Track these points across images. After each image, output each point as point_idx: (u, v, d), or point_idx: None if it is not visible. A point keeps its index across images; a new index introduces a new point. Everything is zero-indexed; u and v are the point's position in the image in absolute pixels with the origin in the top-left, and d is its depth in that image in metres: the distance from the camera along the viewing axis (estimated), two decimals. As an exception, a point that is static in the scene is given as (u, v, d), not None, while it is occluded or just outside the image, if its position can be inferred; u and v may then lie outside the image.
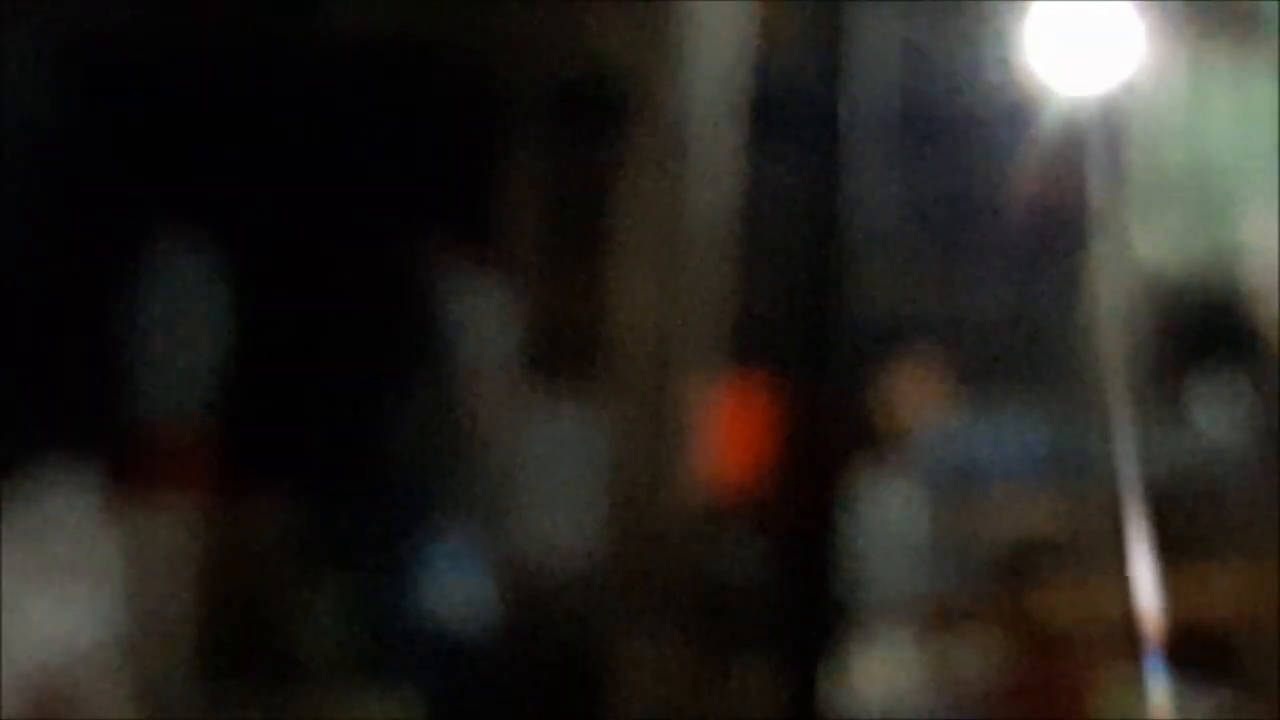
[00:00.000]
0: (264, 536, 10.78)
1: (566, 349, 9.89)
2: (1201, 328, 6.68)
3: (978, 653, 6.04)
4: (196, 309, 10.90)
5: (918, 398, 6.92)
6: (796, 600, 4.43)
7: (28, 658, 9.06)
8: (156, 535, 10.17)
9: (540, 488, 9.96)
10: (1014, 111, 6.34)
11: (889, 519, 6.65)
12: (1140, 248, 6.25)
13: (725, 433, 7.09)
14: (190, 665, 10.38)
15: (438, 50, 11.42)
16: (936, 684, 5.96)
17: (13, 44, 11.32)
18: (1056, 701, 5.77)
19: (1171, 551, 6.39)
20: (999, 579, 6.18)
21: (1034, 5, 5.84)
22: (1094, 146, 6.25)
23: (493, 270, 10.77)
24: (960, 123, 6.36)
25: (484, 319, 10.55)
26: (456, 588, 10.11)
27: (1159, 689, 5.79)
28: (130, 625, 9.42)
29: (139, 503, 9.99)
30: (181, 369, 10.85)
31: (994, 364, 6.70)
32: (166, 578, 10.34)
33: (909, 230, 6.16)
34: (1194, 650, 5.75)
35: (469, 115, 11.26)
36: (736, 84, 6.59)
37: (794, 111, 4.94)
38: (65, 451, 9.25)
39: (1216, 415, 6.70)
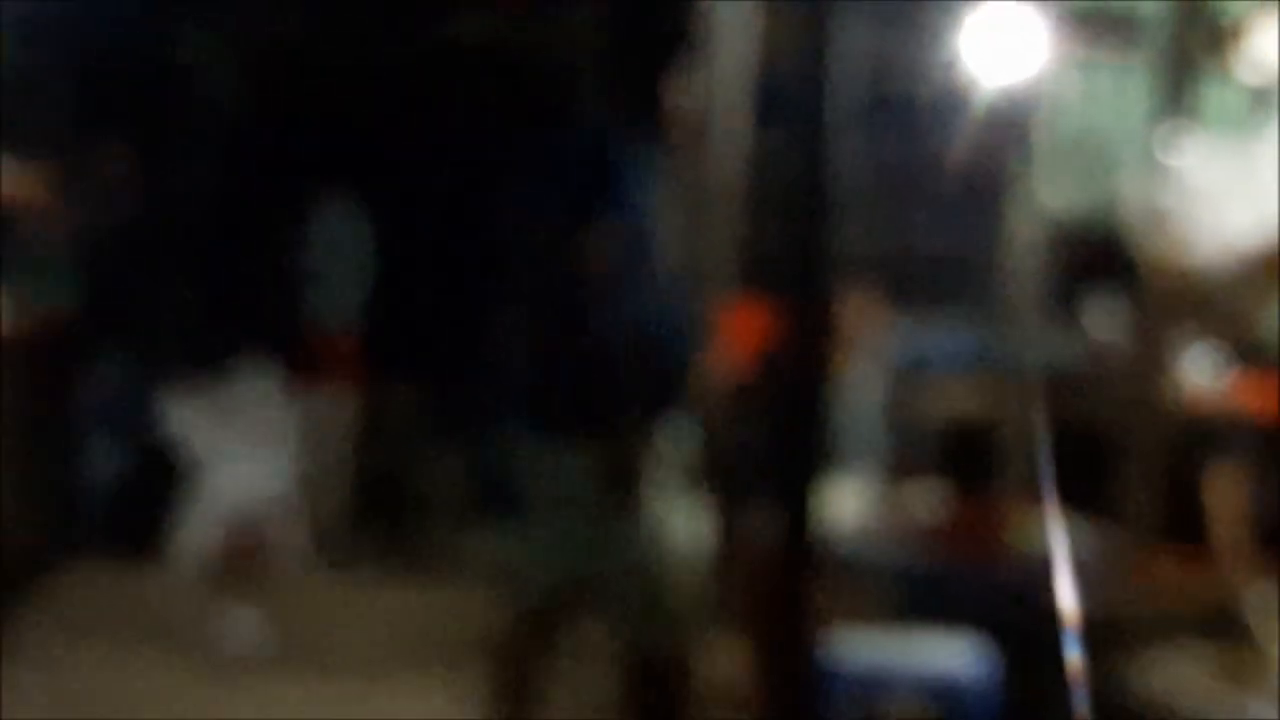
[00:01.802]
0: (400, 415, 10.80)
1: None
2: (1090, 257, 6.69)
3: (922, 497, 6.07)
4: (349, 246, 10.93)
5: (879, 311, 6.94)
6: (792, 456, 4.44)
7: (228, 501, 9.11)
8: (322, 413, 10.21)
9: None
10: (950, 96, 6.35)
11: (858, 399, 6.66)
12: (1044, 198, 6.27)
13: (736, 338, 7.10)
14: (347, 509, 10.43)
15: (524, 54, 11.43)
16: (892, 519, 6.00)
17: (220, 51, 11.38)
18: (980, 534, 5.80)
19: (1066, 421, 6.42)
20: (938, 444, 6.20)
21: (966, 14, 5.87)
22: (1009, 122, 6.28)
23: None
24: (911, 105, 6.37)
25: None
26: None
27: (1056, 524, 5.82)
28: (303, 479, 9.48)
29: (308, 389, 10.06)
30: (339, 290, 10.89)
31: (935, 287, 6.72)
32: (330, 444, 10.39)
33: (875, 186, 6.19)
34: (1080, 490, 5.76)
35: (547, 98, 11.28)
36: (746, 74, 6.61)
37: (788, 95, 4.95)
38: (255, 351, 9.31)
39: (1101, 322, 6.71)
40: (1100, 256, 6.64)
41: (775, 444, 4.59)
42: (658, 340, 5.49)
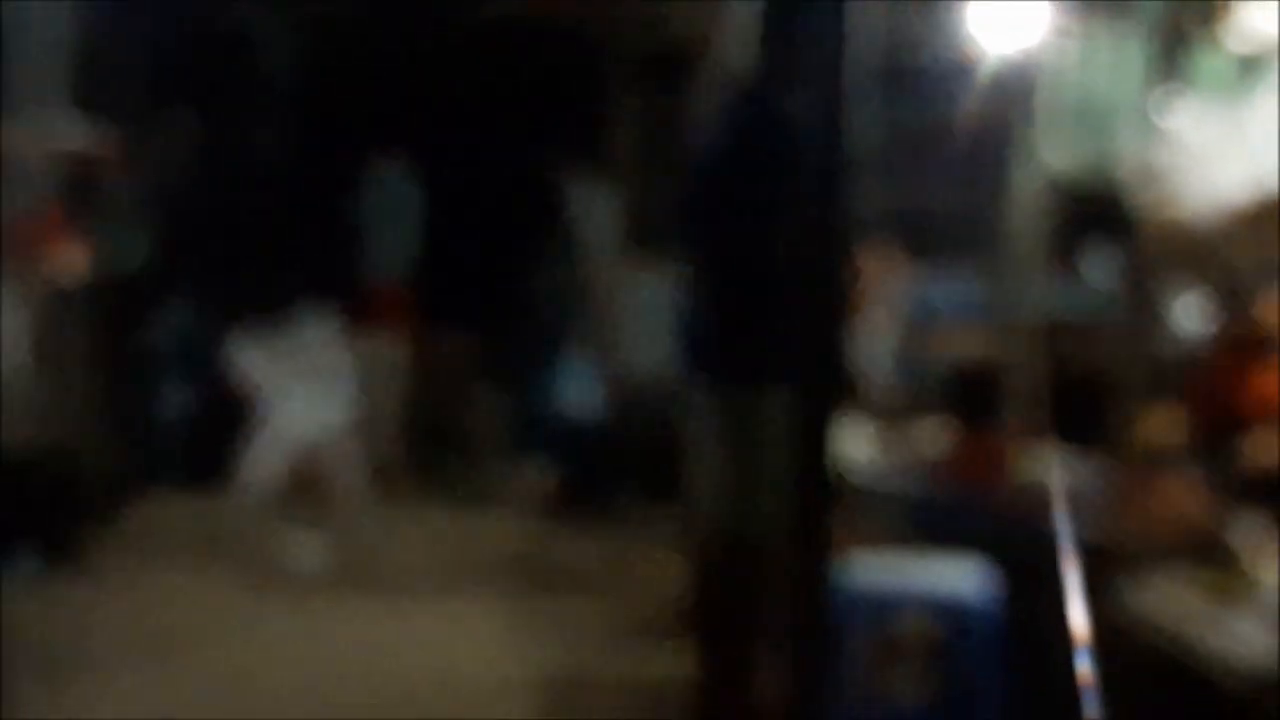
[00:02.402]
0: (449, 358, 10.81)
1: (651, 232, 9.91)
2: (1089, 212, 6.67)
3: (932, 433, 6.06)
4: (403, 202, 10.93)
5: (894, 262, 6.92)
6: (810, 395, 4.43)
7: (293, 433, 9.11)
8: (378, 356, 10.23)
9: (635, 326, 9.97)
10: (958, 65, 6.34)
11: (875, 343, 6.64)
12: (1046, 158, 6.24)
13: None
14: (400, 443, 10.45)
15: (566, 29, 11.40)
16: (903, 452, 5.98)
17: (281, 23, 11.38)
18: (985, 467, 5.79)
19: (1065, 363, 6.41)
20: (947, 384, 6.18)
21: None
22: (1013, 89, 6.25)
23: (603, 179, 10.81)
24: (922, 70, 6.34)
25: (596, 212, 10.56)
26: (578, 392, 10.16)
27: (1055, 457, 5.81)
28: (360, 415, 9.48)
29: (365, 334, 10.06)
30: (392, 243, 10.89)
31: (945, 239, 6.70)
32: (384, 384, 10.40)
33: (888, 146, 6.17)
34: (1078, 426, 5.76)
35: (588, 74, 11.26)
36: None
37: (807, 66, 4.93)
38: (316, 298, 9.30)
39: (1100, 272, 6.69)
40: (1098, 212, 6.61)
41: (803, 386, 4.56)
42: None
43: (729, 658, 5.99)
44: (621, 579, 7.93)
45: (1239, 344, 5.07)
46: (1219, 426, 5.00)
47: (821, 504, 4.27)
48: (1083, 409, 5.86)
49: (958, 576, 4.86)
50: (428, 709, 5.67)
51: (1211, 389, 5.14)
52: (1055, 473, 5.66)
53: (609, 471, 9.70)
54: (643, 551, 8.41)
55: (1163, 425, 5.19)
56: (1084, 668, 4.79)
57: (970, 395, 6.10)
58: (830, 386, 4.40)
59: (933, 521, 5.39)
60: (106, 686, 5.80)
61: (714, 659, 5.99)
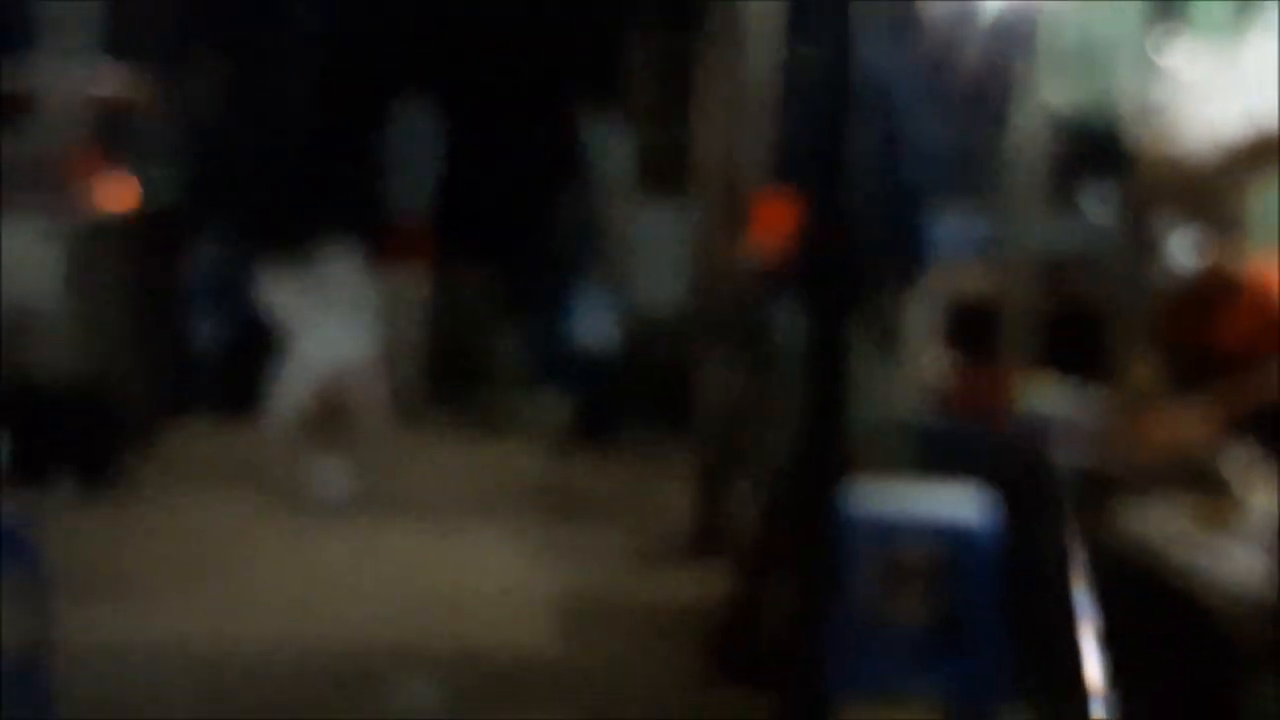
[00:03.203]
0: (469, 291, 10.81)
1: (666, 167, 9.88)
2: (1089, 149, 6.63)
3: (936, 366, 6.03)
4: (424, 141, 10.90)
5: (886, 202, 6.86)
6: (817, 329, 4.42)
7: (319, 363, 9.11)
8: (401, 289, 10.22)
9: (649, 260, 9.95)
10: (961, 7, 6.29)
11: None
12: (1047, 95, 6.19)
13: (768, 225, 7.06)
14: (422, 373, 10.46)
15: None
16: (913, 382, 5.94)
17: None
18: (987, 398, 5.77)
19: (1064, 296, 6.38)
20: (950, 318, 6.16)
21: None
22: (1015, 26, 6.20)
23: (619, 114, 10.77)
24: (930, 16, 6.28)
25: (613, 147, 10.53)
26: (593, 325, 10.15)
27: (1052, 386, 5.80)
28: (383, 346, 9.48)
29: (388, 268, 10.05)
30: (414, 181, 10.88)
31: (948, 177, 6.65)
32: (407, 316, 10.41)
33: (894, 90, 6.12)
34: (1076, 358, 5.74)
35: (605, 12, 11.18)
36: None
37: (818, 10, 4.90)
38: (346, 233, 9.31)
39: (1099, 207, 6.65)
40: (1097, 149, 6.56)
41: (806, 320, 4.55)
42: None
43: (740, 581, 6.02)
44: (635, 505, 7.95)
45: (1225, 279, 5.04)
46: (1209, 362, 4.98)
47: (831, 433, 4.28)
48: (1080, 342, 5.84)
49: (959, 503, 4.86)
50: (448, 628, 5.70)
51: (1194, 322, 5.12)
52: (1053, 403, 5.66)
53: (624, 400, 9.70)
54: (656, 478, 8.43)
55: (1157, 357, 5.17)
56: (1080, 589, 4.80)
57: (971, 329, 6.08)
58: (843, 322, 4.41)
59: (937, 450, 5.38)
60: (141, 605, 5.83)
61: (726, 582, 6.01)
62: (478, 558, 6.85)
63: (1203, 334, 5.03)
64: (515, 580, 6.49)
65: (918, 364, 5.56)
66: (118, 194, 8.29)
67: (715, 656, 5.45)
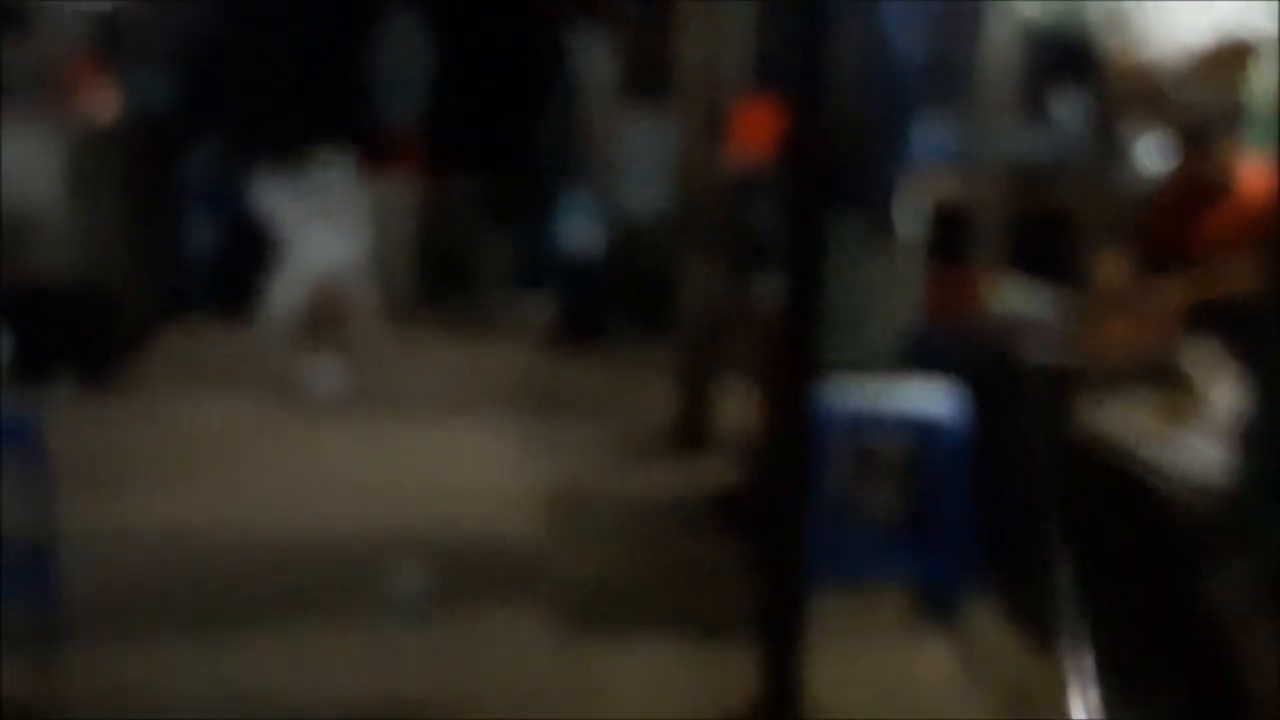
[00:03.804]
0: (457, 198, 10.76)
1: (651, 77, 9.81)
2: (1060, 58, 6.61)
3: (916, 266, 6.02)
4: (415, 51, 10.83)
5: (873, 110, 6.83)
6: (798, 230, 4.41)
7: (312, 267, 9.10)
8: (391, 196, 10.19)
9: (632, 167, 9.91)
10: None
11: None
12: (1018, 4, 6.18)
13: (750, 132, 7.04)
14: (411, 277, 10.44)
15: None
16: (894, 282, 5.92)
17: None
18: (959, 299, 5.78)
19: (1034, 202, 6.38)
20: (928, 221, 6.15)
21: None
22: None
23: (604, 26, 10.69)
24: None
25: (598, 56, 10.45)
26: (578, 230, 10.13)
27: (1021, 287, 5.81)
28: (374, 251, 9.47)
29: (379, 176, 10.02)
30: (405, 90, 10.81)
31: (923, 87, 6.61)
32: (397, 222, 10.38)
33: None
34: (1045, 261, 5.75)
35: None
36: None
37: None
38: (336, 142, 9.29)
39: (1069, 114, 6.64)
40: (1067, 57, 6.55)
41: (785, 223, 4.54)
42: None
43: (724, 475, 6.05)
44: (619, 401, 7.96)
45: (1194, 184, 5.04)
46: (1171, 260, 4.99)
47: (808, 330, 4.29)
48: (1049, 244, 5.85)
49: (930, 399, 4.88)
50: (437, 517, 5.72)
51: (1166, 226, 5.12)
52: (1022, 303, 5.67)
53: (608, 302, 9.71)
54: (638, 376, 8.45)
55: (1122, 259, 5.18)
56: (1045, 481, 4.83)
57: (944, 233, 6.08)
58: (821, 224, 4.40)
59: (910, 348, 5.39)
60: (141, 495, 5.85)
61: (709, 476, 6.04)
62: (466, 451, 6.86)
63: (1173, 236, 5.03)
64: (502, 472, 6.51)
65: (898, 266, 5.56)
66: (114, 103, 8.23)
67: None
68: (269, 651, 4.37)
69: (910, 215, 5.85)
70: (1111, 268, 5.17)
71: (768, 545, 4.14)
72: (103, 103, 8.09)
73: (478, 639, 4.52)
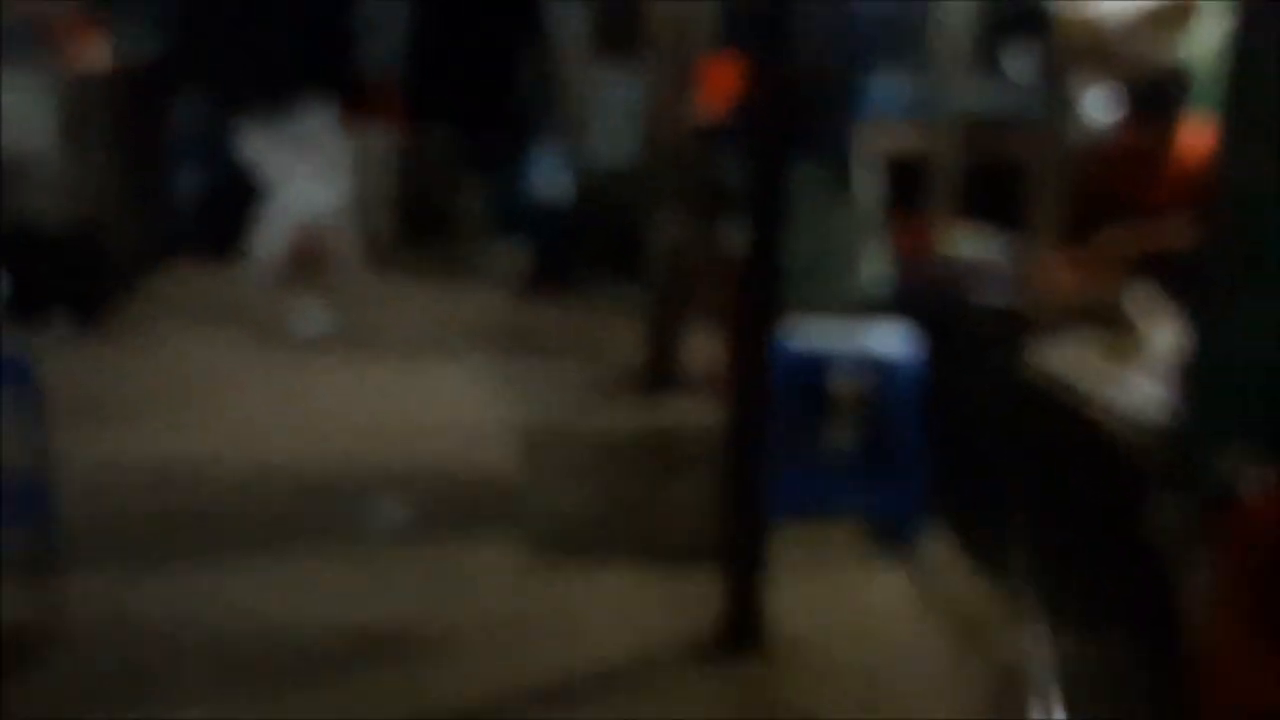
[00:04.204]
0: (435, 147, 10.68)
1: (620, 34, 9.75)
2: (1011, 14, 6.61)
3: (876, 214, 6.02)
4: (392, 8, 10.76)
5: (832, 67, 6.81)
6: (761, 180, 4.40)
7: (296, 212, 9.07)
8: (371, 145, 10.11)
9: (603, 119, 9.86)
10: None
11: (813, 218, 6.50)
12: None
13: (715, 87, 7.02)
14: (391, 221, 10.39)
15: None
16: (855, 229, 5.92)
17: None
18: (915, 245, 5.78)
19: (987, 152, 6.37)
20: (885, 171, 6.14)
21: None
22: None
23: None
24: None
25: (572, 14, 10.38)
26: (551, 179, 10.08)
27: (973, 234, 5.82)
28: (356, 197, 9.44)
29: (361, 125, 9.97)
30: (384, 42, 10.73)
31: (880, 44, 6.59)
32: (377, 170, 10.31)
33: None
34: (997, 208, 5.75)
35: None
36: None
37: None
38: (319, 92, 9.24)
39: (1020, 69, 6.62)
40: (1018, 13, 6.53)
41: (746, 176, 4.51)
42: None
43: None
44: (589, 342, 7.95)
45: (1139, 138, 5.04)
46: (1116, 209, 5.00)
47: (771, 274, 4.28)
48: (1000, 193, 5.84)
49: (887, 339, 4.88)
50: (416, 450, 5.72)
51: (1111, 177, 5.13)
52: (974, 249, 5.68)
53: (579, 247, 9.68)
54: (608, 318, 8.45)
55: (1071, 208, 5.19)
56: (995, 417, 4.84)
57: (901, 183, 6.08)
58: (781, 173, 4.38)
59: (871, 291, 5.40)
60: (134, 430, 5.82)
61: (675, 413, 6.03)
62: (443, 389, 6.85)
63: (1118, 187, 5.04)
64: (479, 408, 6.50)
65: (857, 214, 5.55)
66: (106, 53, 8.15)
67: None
68: (257, 576, 4.36)
69: (869, 166, 5.85)
70: (1060, 216, 5.17)
71: (732, 478, 4.14)
72: (95, 53, 8.00)
73: (456, 565, 4.53)
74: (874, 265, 5.50)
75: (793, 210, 4.34)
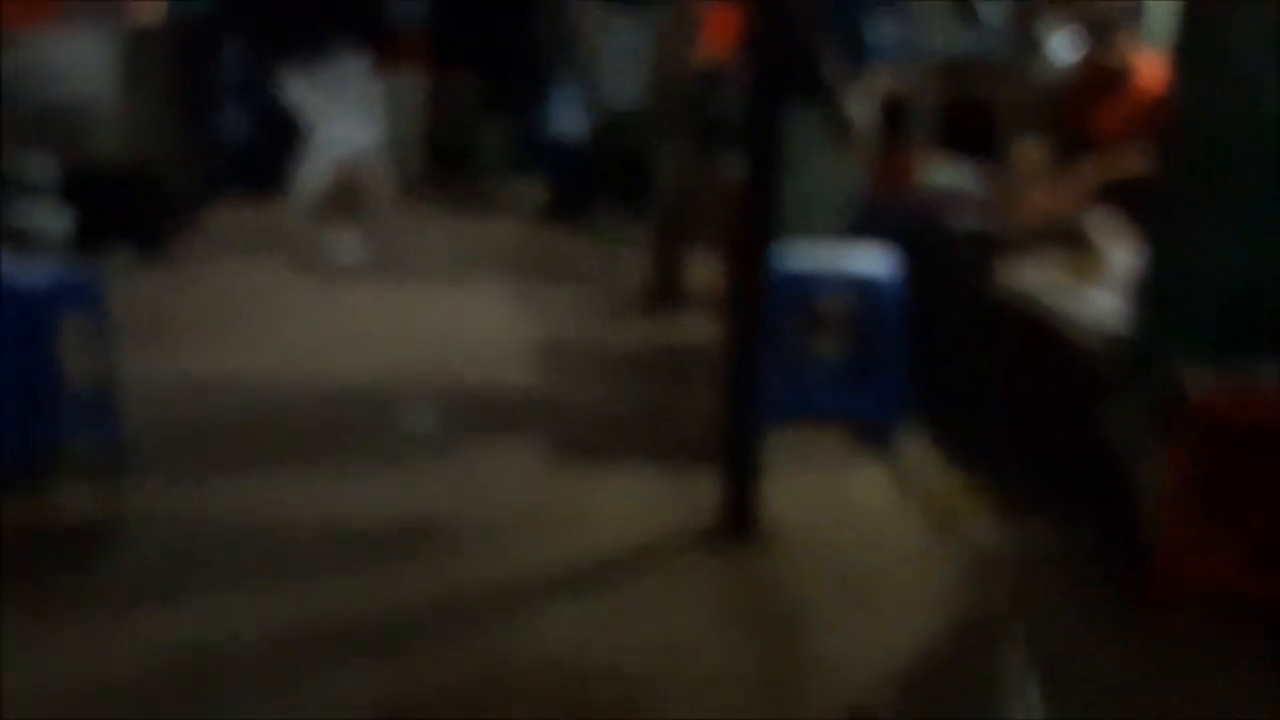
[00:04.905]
0: (460, 90, 10.62)
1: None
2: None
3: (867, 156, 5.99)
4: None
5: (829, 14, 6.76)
6: (758, 115, 4.38)
7: (334, 150, 9.06)
8: (402, 88, 10.06)
9: (614, 63, 9.80)
10: None
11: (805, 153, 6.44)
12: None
13: (717, 33, 6.98)
14: (421, 158, 10.36)
15: None
16: (849, 161, 5.89)
17: None
18: (897, 175, 5.76)
19: (963, 91, 6.32)
20: (883, 110, 6.11)
21: None
22: None
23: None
24: None
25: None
26: (567, 118, 10.03)
27: (947, 164, 5.79)
28: (389, 137, 9.42)
29: (393, 70, 9.92)
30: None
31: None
32: (408, 111, 10.25)
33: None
34: (971, 142, 5.73)
35: None
36: None
37: None
38: (354, 41, 9.21)
39: (993, 15, 6.57)
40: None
41: (742, 112, 4.49)
42: None
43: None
44: (601, 268, 7.95)
45: (1097, 73, 5.01)
46: (1079, 140, 4.98)
47: (768, 202, 4.27)
48: (974, 128, 5.82)
49: (871, 262, 4.88)
50: (447, 365, 5.73)
51: (1073, 111, 5.10)
52: (951, 178, 5.66)
53: (591, 182, 9.65)
54: (618, 246, 8.44)
55: (1035, 142, 5.17)
56: (968, 329, 4.85)
57: (886, 119, 6.05)
58: (775, 116, 4.36)
59: (858, 216, 5.38)
60: (191, 348, 5.84)
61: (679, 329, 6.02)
62: (469, 309, 6.86)
63: (1080, 120, 5.01)
64: (501, 327, 6.51)
65: (846, 148, 5.53)
66: (161, 8, 8.10)
67: None
68: (302, 477, 4.39)
69: (858, 104, 5.82)
70: (1029, 148, 5.15)
71: (730, 387, 4.15)
72: (151, 9, 7.96)
73: (482, 466, 4.55)
74: (860, 195, 5.49)
75: (788, 145, 4.32)
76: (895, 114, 6.15)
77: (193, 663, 3.15)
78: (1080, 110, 5.03)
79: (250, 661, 3.17)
